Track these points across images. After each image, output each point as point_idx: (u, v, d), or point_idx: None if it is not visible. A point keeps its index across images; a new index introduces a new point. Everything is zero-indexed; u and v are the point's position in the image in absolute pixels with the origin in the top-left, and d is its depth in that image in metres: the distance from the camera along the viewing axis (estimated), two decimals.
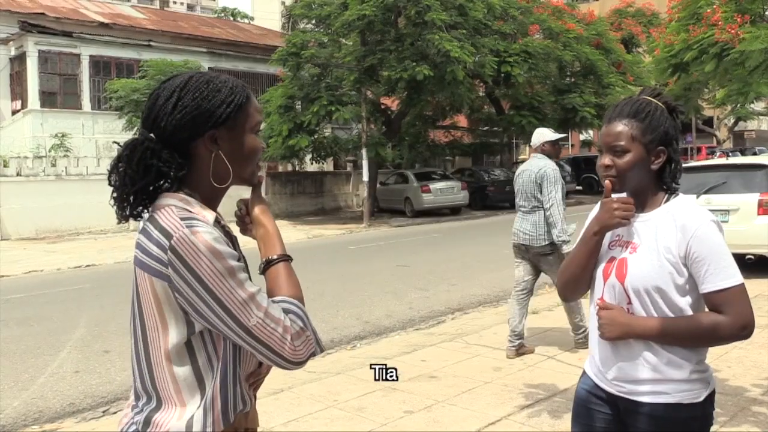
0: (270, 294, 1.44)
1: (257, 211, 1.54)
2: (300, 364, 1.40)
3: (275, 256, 1.48)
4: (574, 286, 1.99)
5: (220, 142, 1.45)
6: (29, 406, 5.16)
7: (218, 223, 1.48)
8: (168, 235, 1.34)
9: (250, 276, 1.55)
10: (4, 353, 6.61)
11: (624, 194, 1.91)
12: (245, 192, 1.58)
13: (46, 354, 6.54)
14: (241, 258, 1.42)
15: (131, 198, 1.42)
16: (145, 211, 1.45)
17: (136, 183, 1.41)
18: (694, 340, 1.79)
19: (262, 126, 21.71)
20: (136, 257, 1.40)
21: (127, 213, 1.43)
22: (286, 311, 1.39)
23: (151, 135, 1.42)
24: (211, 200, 1.48)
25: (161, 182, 1.44)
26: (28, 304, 9.21)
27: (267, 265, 1.48)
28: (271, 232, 1.52)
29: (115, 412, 4.84)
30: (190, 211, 1.40)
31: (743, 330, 1.76)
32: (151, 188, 1.43)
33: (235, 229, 1.59)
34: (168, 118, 1.42)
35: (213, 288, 1.33)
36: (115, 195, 1.42)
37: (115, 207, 1.43)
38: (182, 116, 1.41)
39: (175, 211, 1.39)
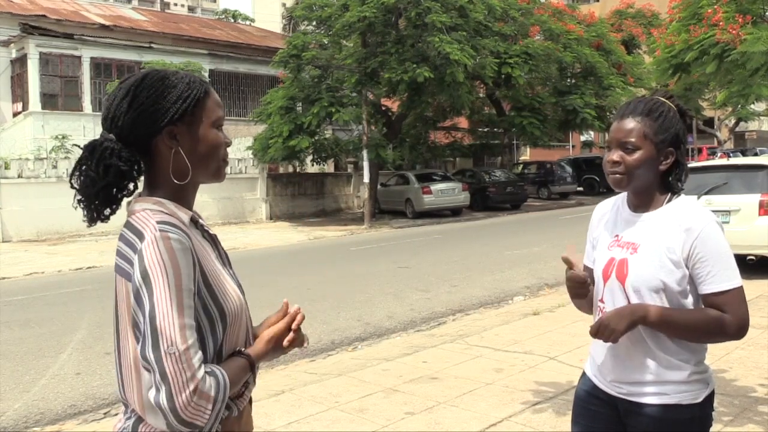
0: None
1: (266, 333, 1.54)
2: (182, 422, 1.27)
3: (243, 351, 1.48)
4: (584, 307, 2.06)
5: (180, 138, 1.44)
6: (30, 408, 5.17)
7: (195, 223, 1.48)
8: (141, 237, 1.34)
9: (231, 266, 1.56)
10: (6, 355, 6.62)
11: (625, 193, 1.92)
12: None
13: (47, 356, 6.55)
14: (194, 278, 1.37)
15: (95, 199, 1.41)
16: (112, 213, 1.44)
17: (97, 184, 1.40)
18: (699, 331, 1.77)
19: (263, 128, 21.42)
20: (115, 263, 1.39)
21: (94, 215, 1.42)
22: (209, 373, 1.32)
23: (111, 135, 1.42)
24: (182, 199, 1.47)
25: (125, 183, 1.44)
26: (29, 306, 9.21)
27: (235, 354, 1.47)
28: (258, 339, 1.53)
29: (116, 414, 4.83)
30: (165, 213, 1.40)
31: (742, 330, 1.78)
32: (114, 189, 1.43)
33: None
34: (124, 117, 1.41)
35: (154, 298, 1.29)
36: (78, 198, 1.42)
37: (82, 210, 1.42)
38: (138, 114, 1.41)
39: (150, 214, 1.39)
